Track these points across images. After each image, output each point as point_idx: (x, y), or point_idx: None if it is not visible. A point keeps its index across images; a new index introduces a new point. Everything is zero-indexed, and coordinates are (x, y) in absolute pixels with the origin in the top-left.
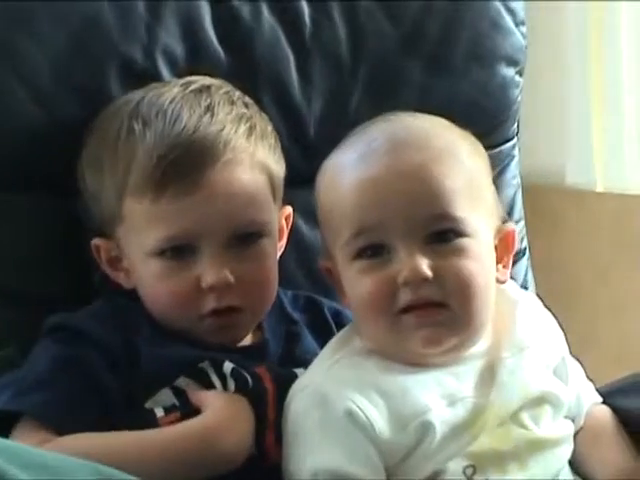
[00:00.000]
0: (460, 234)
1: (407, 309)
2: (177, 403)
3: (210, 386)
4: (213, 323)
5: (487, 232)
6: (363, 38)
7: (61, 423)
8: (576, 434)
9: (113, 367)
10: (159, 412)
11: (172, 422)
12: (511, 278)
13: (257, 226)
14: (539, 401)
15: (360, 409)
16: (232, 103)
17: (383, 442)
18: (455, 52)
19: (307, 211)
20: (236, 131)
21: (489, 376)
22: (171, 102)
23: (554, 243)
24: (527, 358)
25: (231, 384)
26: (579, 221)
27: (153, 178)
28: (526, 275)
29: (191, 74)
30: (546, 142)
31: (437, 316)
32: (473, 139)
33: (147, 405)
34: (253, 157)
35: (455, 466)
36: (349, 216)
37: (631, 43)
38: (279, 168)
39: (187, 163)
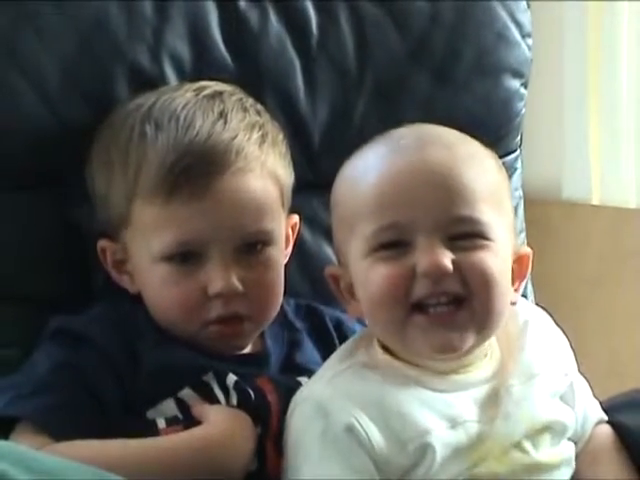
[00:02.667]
0: (484, 237)
1: (421, 306)
2: (180, 415)
3: (213, 399)
4: (217, 331)
5: (508, 244)
6: (369, 47)
7: (60, 429)
8: (577, 454)
9: (115, 373)
10: (161, 423)
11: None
12: None
13: (265, 235)
14: (542, 430)
15: (361, 425)
16: (245, 110)
17: (381, 460)
18: (461, 63)
19: (311, 219)
20: (249, 139)
21: (494, 403)
22: (184, 107)
23: (548, 255)
24: (535, 387)
25: (234, 398)
26: (574, 234)
27: (165, 182)
28: (525, 288)
29: (198, 79)
30: (543, 155)
31: (452, 317)
32: (497, 157)
33: (149, 415)
34: (264, 165)
35: None
36: (375, 208)
37: (630, 57)
38: (289, 176)
39: (199, 169)
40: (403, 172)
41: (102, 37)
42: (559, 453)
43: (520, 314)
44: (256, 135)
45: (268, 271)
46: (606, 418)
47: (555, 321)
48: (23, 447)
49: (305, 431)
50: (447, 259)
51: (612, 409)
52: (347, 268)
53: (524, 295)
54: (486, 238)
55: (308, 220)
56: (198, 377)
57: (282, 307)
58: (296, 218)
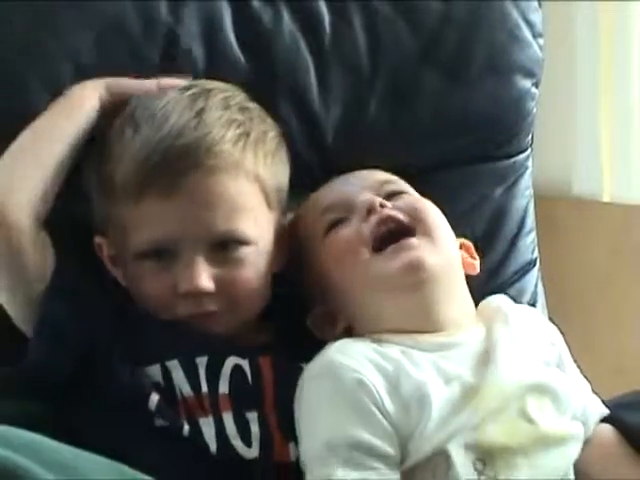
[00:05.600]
0: (407, 192)
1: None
2: (162, 383)
3: (195, 382)
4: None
5: None
6: (382, 47)
7: None
8: (582, 451)
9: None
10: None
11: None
12: (521, 289)
13: (238, 234)
14: (539, 390)
15: (370, 381)
16: (226, 108)
17: (390, 418)
18: (472, 63)
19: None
20: (223, 136)
21: (486, 360)
22: (163, 106)
23: (558, 252)
24: (524, 347)
25: (223, 384)
26: (584, 231)
27: (135, 181)
28: (536, 286)
29: (212, 78)
30: (553, 152)
31: (408, 242)
32: None
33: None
34: (240, 165)
35: (465, 460)
36: (312, 207)
37: None
38: (277, 175)
39: (168, 167)
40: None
41: (117, 38)
42: (566, 426)
43: (502, 308)
44: (232, 133)
45: (242, 270)
46: (607, 412)
47: (563, 318)
48: (37, 436)
49: (316, 392)
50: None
51: (619, 407)
52: (320, 282)
53: (534, 298)
54: (409, 193)
55: None
56: (190, 356)
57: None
58: (291, 217)
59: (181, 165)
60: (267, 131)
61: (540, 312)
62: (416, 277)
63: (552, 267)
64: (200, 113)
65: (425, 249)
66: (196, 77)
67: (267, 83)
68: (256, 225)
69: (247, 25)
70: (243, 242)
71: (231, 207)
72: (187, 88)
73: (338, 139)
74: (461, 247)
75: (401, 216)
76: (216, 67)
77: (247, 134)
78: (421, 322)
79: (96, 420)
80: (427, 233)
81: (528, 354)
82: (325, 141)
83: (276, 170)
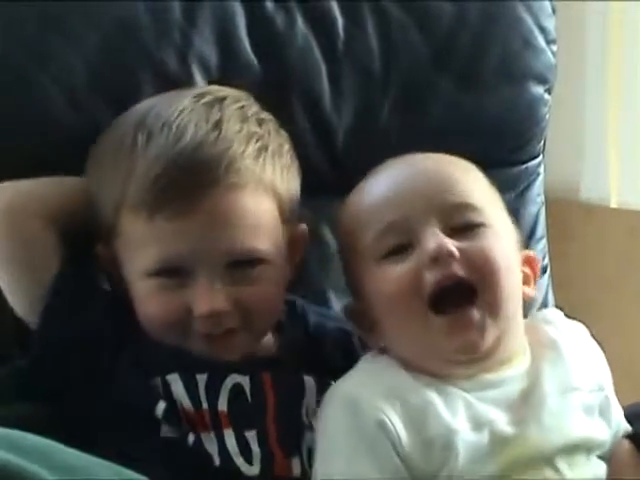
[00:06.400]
0: (482, 224)
1: (436, 305)
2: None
3: (195, 398)
4: (204, 343)
5: (508, 231)
6: (395, 51)
7: None
8: None
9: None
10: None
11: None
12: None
13: (257, 254)
14: (577, 447)
15: (391, 422)
16: (244, 120)
17: (408, 460)
18: (486, 69)
19: (334, 220)
20: (243, 151)
21: (524, 404)
22: (178, 115)
23: (567, 258)
24: (572, 401)
25: (222, 401)
26: (592, 236)
27: (149, 196)
28: (547, 293)
29: (224, 82)
30: (561, 157)
31: (469, 317)
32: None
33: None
34: (260, 181)
35: None
36: (371, 218)
37: None
38: (291, 189)
39: (186, 183)
40: (394, 182)
41: (130, 40)
42: (591, 472)
43: (556, 326)
44: (252, 147)
45: (260, 288)
46: (630, 429)
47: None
48: (42, 439)
49: (335, 426)
50: (450, 244)
51: (629, 418)
52: (362, 295)
53: (545, 305)
54: (483, 225)
55: (330, 223)
56: (191, 372)
57: (302, 312)
58: (303, 228)
59: (200, 182)
60: (283, 144)
61: (585, 330)
62: (469, 356)
63: (560, 272)
64: (218, 125)
65: (485, 322)
66: (210, 81)
67: (280, 86)
68: (273, 242)
69: (260, 28)
70: (263, 261)
71: (251, 225)
72: (200, 95)
73: (350, 143)
74: (524, 262)
75: (467, 274)
76: (229, 70)
77: (266, 148)
78: (465, 368)
79: (101, 424)
80: (491, 291)
81: (578, 408)
82: (337, 145)
83: (291, 183)
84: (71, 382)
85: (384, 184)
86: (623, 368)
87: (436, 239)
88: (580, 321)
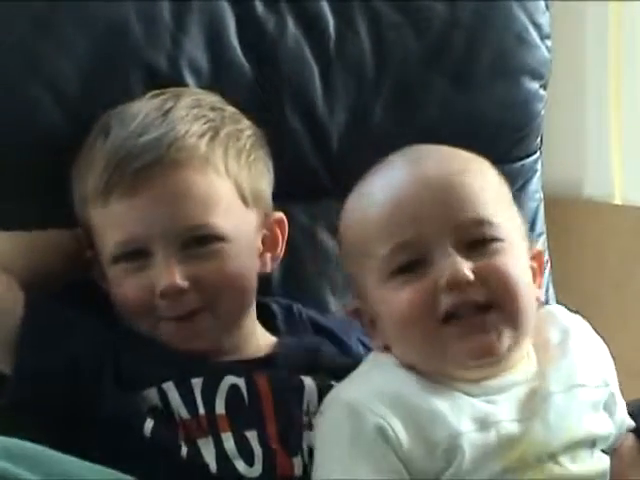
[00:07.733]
0: (496, 239)
1: (448, 318)
2: (160, 405)
3: (190, 403)
4: (172, 330)
5: (521, 242)
6: (387, 51)
7: None
8: None
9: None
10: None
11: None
12: None
13: (209, 229)
14: (581, 442)
15: (390, 426)
16: (195, 107)
17: (410, 462)
18: (480, 66)
19: (330, 223)
20: (187, 131)
21: (531, 404)
22: (137, 110)
23: (570, 255)
24: (577, 398)
25: (220, 404)
26: (596, 233)
27: (102, 183)
28: (547, 290)
29: (216, 85)
30: (564, 154)
31: (483, 321)
32: (493, 167)
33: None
34: (207, 159)
35: None
36: (383, 231)
37: None
38: (253, 174)
39: (130, 165)
40: (404, 194)
41: (120, 45)
42: (594, 466)
43: (560, 322)
44: (198, 127)
45: (219, 265)
46: (633, 425)
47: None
48: (39, 447)
49: (335, 432)
50: (466, 268)
51: (632, 413)
52: (366, 299)
53: (546, 302)
54: (498, 239)
55: (327, 224)
56: (186, 378)
57: (299, 314)
58: (279, 215)
59: (144, 161)
60: (242, 130)
61: (588, 326)
62: (484, 360)
63: (563, 270)
64: (166, 113)
65: (502, 328)
66: (201, 83)
67: (272, 89)
68: (229, 220)
69: (251, 30)
70: (216, 237)
71: (200, 202)
72: (160, 93)
73: (343, 144)
74: (533, 257)
75: (483, 297)
76: (221, 72)
77: (216, 130)
78: (473, 373)
79: (91, 445)
80: (509, 308)
81: (583, 404)
82: (330, 146)
83: (252, 168)
84: (54, 413)
85: (390, 193)
86: (626, 365)
87: (451, 263)
88: (584, 319)
